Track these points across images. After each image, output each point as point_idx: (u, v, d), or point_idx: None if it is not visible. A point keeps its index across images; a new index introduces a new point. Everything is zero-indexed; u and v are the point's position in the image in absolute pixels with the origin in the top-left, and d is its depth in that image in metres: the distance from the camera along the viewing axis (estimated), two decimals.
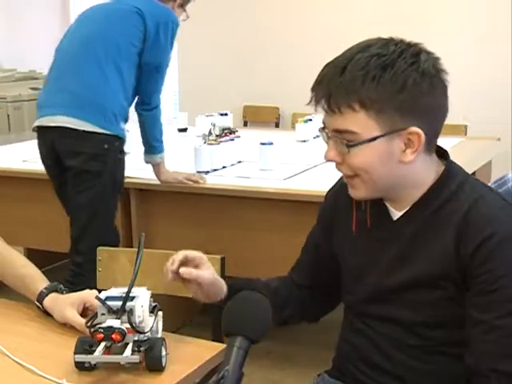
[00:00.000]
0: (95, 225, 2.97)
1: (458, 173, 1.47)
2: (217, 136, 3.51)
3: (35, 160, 3.74)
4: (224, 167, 3.40)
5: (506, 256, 1.35)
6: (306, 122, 4.21)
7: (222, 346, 1.51)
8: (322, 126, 1.44)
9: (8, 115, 5.61)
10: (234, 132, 3.67)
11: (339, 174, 1.55)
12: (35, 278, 1.73)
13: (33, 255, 3.19)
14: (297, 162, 3.50)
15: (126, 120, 3.07)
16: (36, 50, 6.49)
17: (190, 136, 4.40)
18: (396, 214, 1.49)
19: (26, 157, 3.82)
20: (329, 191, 1.69)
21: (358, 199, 1.50)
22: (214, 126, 3.56)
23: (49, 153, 3.04)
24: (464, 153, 3.58)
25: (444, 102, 1.42)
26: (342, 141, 1.39)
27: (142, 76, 3.02)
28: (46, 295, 1.68)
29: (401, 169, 1.40)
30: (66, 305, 1.63)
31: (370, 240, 1.53)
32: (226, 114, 4.62)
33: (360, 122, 1.36)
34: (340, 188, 1.62)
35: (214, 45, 5.94)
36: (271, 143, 3.34)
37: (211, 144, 3.40)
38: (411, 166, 1.41)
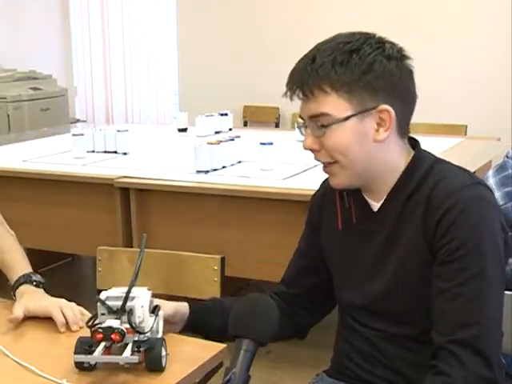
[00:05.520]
0: None
1: (426, 157, 1.52)
2: None
3: (35, 160, 3.76)
4: (224, 167, 3.40)
5: (464, 226, 1.39)
6: None
7: (222, 345, 1.51)
8: (301, 121, 1.51)
9: (8, 115, 5.61)
10: None
11: None
12: (13, 268, 1.75)
13: (33, 255, 3.19)
14: (296, 162, 3.50)
15: None
16: (36, 50, 6.49)
17: (190, 136, 4.40)
18: (376, 206, 1.53)
19: (25, 157, 3.83)
20: (314, 195, 1.73)
21: (339, 188, 1.55)
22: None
23: None
24: (464, 153, 3.57)
25: (412, 87, 1.49)
26: (317, 124, 1.45)
27: None
28: (17, 287, 1.70)
29: (376, 149, 1.46)
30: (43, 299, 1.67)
31: (356, 235, 1.57)
32: (226, 114, 4.62)
33: (332, 104, 1.42)
34: (325, 190, 1.66)
35: (214, 45, 5.94)
36: (271, 143, 3.34)
37: (211, 144, 3.40)
38: (385, 147, 1.47)
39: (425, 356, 1.44)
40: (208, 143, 3.41)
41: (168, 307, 1.57)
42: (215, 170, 3.35)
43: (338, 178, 1.50)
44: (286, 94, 1.49)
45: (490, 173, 2.05)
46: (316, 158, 1.52)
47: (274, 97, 6.79)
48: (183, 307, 1.63)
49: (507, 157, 2.10)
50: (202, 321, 1.63)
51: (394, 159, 1.49)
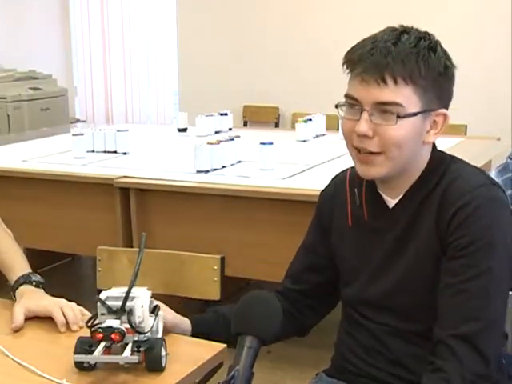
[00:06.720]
0: None
1: (443, 156, 1.53)
2: None
3: (35, 160, 3.76)
4: (224, 167, 3.40)
5: (476, 224, 1.40)
6: (305, 121, 4.20)
7: (222, 345, 1.51)
8: (351, 101, 1.45)
9: (8, 115, 5.61)
10: None
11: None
12: (12, 268, 1.75)
13: (33, 255, 3.19)
14: (296, 162, 3.50)
15: None
16: (36, 50, 6.49)
17: (190, 136, 4.40)
18: (391, 202, 1.53)
19: (25, 157, 3.83)
20: (323, 191, 1.72)
21: (370, 178, 1.52)
22: None
23: None
24: (464, 153, 3.55)
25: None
26: (385, 113, 1.41)
27: None
28: (17, 288, 1.70)
29: (420, 148, 1.48)
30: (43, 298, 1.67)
31: (368, 232, 1.56)
32: (226, 114, 4.62)
33: (407, 96, 1.42)
34: (335, 187, 1.66)
35: (213, 45, 5.94)
36: (271, 143, 3.34)
37: (211, 144, 3.40)
38: (426, 148, 1.49)
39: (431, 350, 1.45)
40: (208, 143, 3.40)
41: (169, 321, 1.55)
42: (215, 169, 3.35)
43: (377, 169, 1.47)
44: (359, 74, 1.42)
45: (493, 174, 2.05)
46: (362, 145, 1.46)
47: (273, 96, 6.80)
48: (184, 322, 1.62)
49: (510, 158, 2.11)
50: (205, 335, 1.60)
51: (421, 160, 1.51)
